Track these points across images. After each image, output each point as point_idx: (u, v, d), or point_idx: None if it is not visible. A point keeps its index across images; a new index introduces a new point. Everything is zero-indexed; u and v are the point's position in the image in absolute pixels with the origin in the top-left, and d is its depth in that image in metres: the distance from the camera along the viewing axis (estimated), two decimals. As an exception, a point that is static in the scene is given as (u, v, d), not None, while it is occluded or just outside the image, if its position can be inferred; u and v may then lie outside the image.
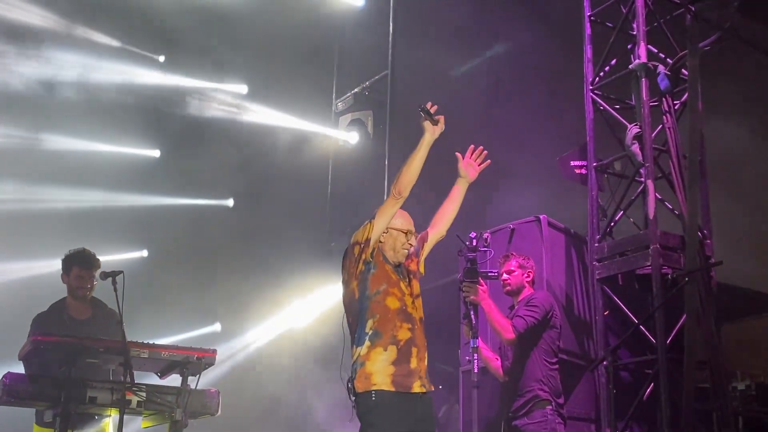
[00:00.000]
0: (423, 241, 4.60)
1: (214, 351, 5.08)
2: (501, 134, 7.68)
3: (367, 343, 4.14)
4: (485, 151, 4.65)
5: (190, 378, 4.99)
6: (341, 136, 8.15)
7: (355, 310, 4.24)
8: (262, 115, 7.90)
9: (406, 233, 4.38)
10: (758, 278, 7.74)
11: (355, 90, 8.19)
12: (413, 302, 4.36)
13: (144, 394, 4.80)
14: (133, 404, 4.80)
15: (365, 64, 8.29)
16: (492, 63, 8.43)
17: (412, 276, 4.47)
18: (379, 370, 4.10)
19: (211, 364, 5.04)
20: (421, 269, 4.60)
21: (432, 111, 4.19)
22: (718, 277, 6.90)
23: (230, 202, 10.38)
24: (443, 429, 7.65)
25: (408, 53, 8.31)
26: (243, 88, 8.41)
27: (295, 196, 7.79)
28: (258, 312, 9.32)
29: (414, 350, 4.18)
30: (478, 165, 4.68)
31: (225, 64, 8.29)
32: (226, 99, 8.25)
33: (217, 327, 10.17)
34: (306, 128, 7.90)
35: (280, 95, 8.14)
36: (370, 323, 4.16)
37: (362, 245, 4.26)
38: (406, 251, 4.39)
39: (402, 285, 4.34)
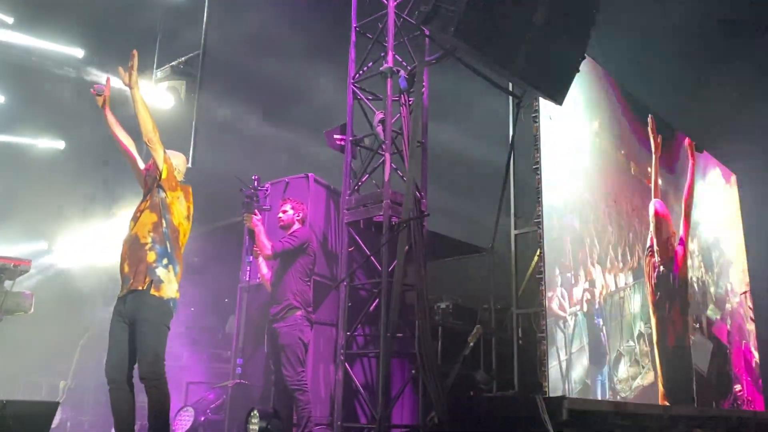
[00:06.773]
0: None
1: (29, 261, 5.32)
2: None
3: None
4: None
5: (7, 282, 5.26)
6: (158, 100, 9.23)
7: None
8: (96, 77, 8.84)
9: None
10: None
11: (172, 63, 9.32)
12: (136, 218, 4.84)
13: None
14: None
15: (182, 42, 9.40)
16: (286, 60, 9.75)
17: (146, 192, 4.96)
18: None
19: (26, 271, 5.28)
20: (162, 177, 4.89)
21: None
22: (433, 228, 8.34)
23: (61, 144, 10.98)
24: (228, 337, 8.60)
25: (219, 36, 9.39)
26: (79, 52, 9.25)
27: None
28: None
29: (119, 261, 4.82)
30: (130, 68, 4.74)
31: (64, 32, 9.03)
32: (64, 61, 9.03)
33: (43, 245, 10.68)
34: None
35: (113, 62, 9.09)
36: None
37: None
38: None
39: (136, 208, 4.90)
